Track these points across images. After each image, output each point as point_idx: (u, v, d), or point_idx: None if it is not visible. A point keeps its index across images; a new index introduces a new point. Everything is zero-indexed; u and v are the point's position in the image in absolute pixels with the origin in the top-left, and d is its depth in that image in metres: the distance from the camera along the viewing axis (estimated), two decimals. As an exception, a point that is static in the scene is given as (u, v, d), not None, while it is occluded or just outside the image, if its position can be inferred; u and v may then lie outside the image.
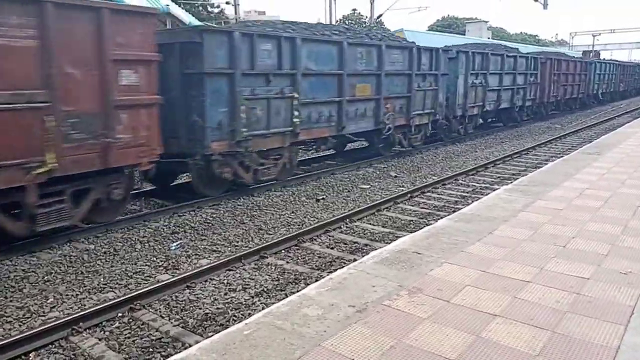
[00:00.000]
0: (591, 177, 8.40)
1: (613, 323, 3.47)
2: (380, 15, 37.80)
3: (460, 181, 10.80)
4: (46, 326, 4.39)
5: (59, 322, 4.45)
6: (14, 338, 4.19)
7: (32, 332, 4.29)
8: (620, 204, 6.60)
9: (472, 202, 7.78)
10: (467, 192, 9.79)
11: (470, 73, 15.84)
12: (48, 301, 5.13)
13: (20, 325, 4.64)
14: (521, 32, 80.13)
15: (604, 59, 35.60)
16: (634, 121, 19.41)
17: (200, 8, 32.40)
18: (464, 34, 47.83)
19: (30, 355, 4.17)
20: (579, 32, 79.50)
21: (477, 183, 10.65)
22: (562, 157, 11.79)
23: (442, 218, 6.41)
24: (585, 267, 4.49)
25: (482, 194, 9.19)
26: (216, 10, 35.24)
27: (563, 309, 3.70)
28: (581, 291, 3.99)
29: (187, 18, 23.15)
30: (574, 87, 26.17)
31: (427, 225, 6.93)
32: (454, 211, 7.40)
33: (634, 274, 4.32)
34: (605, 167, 9.33)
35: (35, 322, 4.70)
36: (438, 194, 9.66)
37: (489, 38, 48.99)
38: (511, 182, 8.61)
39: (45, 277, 5.69)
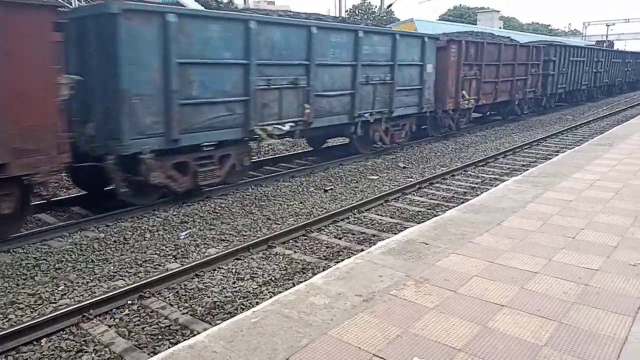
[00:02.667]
0: (602, 168, 8.31)
1: (621, 314, 3.46)
2: (390, 5, 37.50)
3: (470, 172, 10.74)
4: (57, 313, 4.45)
5: (69, 309, 4.52)
6: (26, 324, 4.26)
7: (43, 318, 4.36)
8: (631, 196, 6.54)
9: (481, 193, 7.74)
10: (476, 184, 9.74)
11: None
12: (59, 288, 5.20)
13: (32, 312, 4.72)
14: (533, 22, 79.02)
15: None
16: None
17: (209, -1, 32.29)
18: (476, 24, 47.30)
19: (42, 340, 4.25)
20: (592, 22, 78.28)
21: (486, 174, 10.58)
22: (572, 148, 11.67)
23: (450, 209, 6.38)
24: (594, 258, 4.46)
25: (491, 185, 9.14)
26: (225, 0, 35.11)
27: (571, 300, 3.68)
28: (589, 282, 3.97)
29: (196, 6, 23.07)
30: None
31: (435, 216, 6.92)
32: (462, 202, 7.38)
33: (643, 265, 4.28)
34: (617, 158, 9.23)
35: (47, 309, 4.77)
36: (447, 185, 9.62)
37: (500, 28, 48.43)
38: (521, 174, 8.55)
39: (57, 265, 5.76)
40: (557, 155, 10.93)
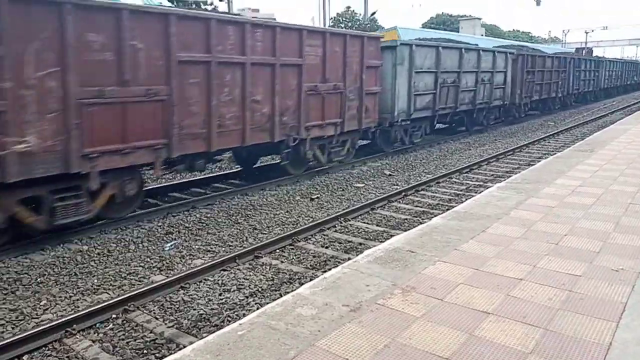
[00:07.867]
0: (583, 174, 8.44)
1: (605, 320, 3.50)
2: (374, 13, 37.82)
3: (454, 179, 10.83)
4: (39, 328, 4.36)
5: (52, 324, 4.43)
6: (7, 341, 4.17)
7: (25, 334, 4.26)
8: (612, 201, 6.64)
9: (466, 200, 7.80)
10: (460, 190, 9.82)
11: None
12: (41, 303, 5.10)
13: (13, 328, 4.62)
14: (514, 30, 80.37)
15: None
16: (626, 118, 19.53)
17: (194, 5, 32.28)
18: (458, 31, 47.96)
19: (24, 357, 4.15)
20: (572, 29, 79.98)
21: (471, 181, 10.68)
22: (554, 154, 11.84)
23: (435, 216, 6.42)
24: (577, 264, 4.51)
25: (475, 192, 9.22)
26: (210, 7, 35.11)
27: (555, 306, 3.72)
28: (573, 288, 4.02)
29: None
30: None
31: (420, 223, 6.95)
32: (447, 209, 7.42)
33: (625, 270, 4.35)
34: (598, 164, 9.38)
35: (29, 324, 4.68)
36: (432, 193, 9.68)
37: (482, 35, 49.15)
38: (504, 180, 8.64)
39: (38, 279, 5.66)
40: (540, 161, 11.07)
